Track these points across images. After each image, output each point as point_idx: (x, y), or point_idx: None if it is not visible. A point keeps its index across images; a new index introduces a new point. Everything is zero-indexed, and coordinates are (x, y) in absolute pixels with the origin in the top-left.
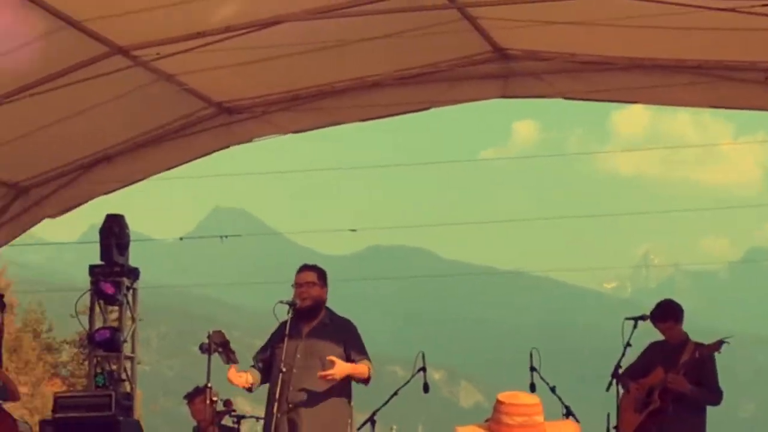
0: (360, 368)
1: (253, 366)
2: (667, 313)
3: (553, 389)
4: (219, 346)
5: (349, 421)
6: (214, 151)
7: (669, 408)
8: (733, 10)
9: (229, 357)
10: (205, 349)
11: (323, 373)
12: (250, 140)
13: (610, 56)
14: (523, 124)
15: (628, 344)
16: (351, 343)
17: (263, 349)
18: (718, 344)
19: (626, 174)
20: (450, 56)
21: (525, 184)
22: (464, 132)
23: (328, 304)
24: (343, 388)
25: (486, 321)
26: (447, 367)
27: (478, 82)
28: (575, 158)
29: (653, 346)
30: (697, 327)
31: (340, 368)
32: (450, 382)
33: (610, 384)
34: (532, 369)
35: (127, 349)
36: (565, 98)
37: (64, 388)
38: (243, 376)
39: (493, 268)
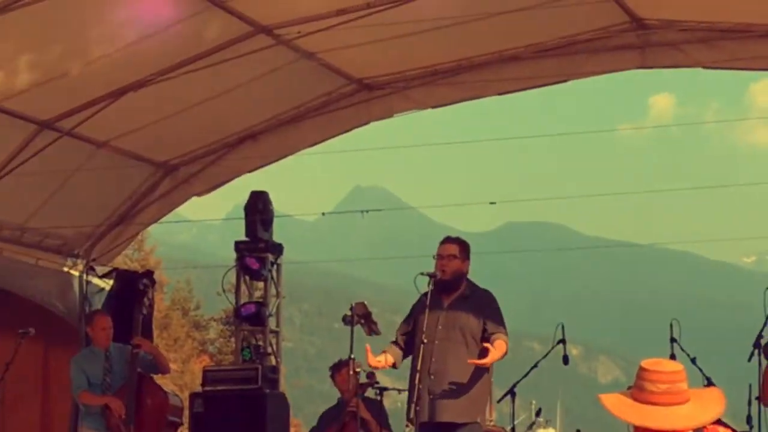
0: (501, 350)
1: (393, 342)
2: None
3: (693, 360)
4: (361, 317)
5: (490, 393)
6: (355, 128)
7: None
8: None
9: (371, 328)
10: (348, 320)
11: (474, 361)
12: (390, 116)
13: (749, 23)
14: (659, 97)
15: None
16: (489, 315)
17: (405, 321)
18: None
19: (765, 145)
20: (587, 27)
21: (662, 157)
22: (601, 106)
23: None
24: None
25: (623, 295)
26: (584, 343)
27: (615, 53)
28: (713, 131)
29: None
30: None
31: (492, 357)
32: (588, 357)
33: (752, 354)
34: (672, 340)
35: (272, 323)
36: (704, 68)
37: (212, 364)
38: (382, 358)
39: (631, 242)
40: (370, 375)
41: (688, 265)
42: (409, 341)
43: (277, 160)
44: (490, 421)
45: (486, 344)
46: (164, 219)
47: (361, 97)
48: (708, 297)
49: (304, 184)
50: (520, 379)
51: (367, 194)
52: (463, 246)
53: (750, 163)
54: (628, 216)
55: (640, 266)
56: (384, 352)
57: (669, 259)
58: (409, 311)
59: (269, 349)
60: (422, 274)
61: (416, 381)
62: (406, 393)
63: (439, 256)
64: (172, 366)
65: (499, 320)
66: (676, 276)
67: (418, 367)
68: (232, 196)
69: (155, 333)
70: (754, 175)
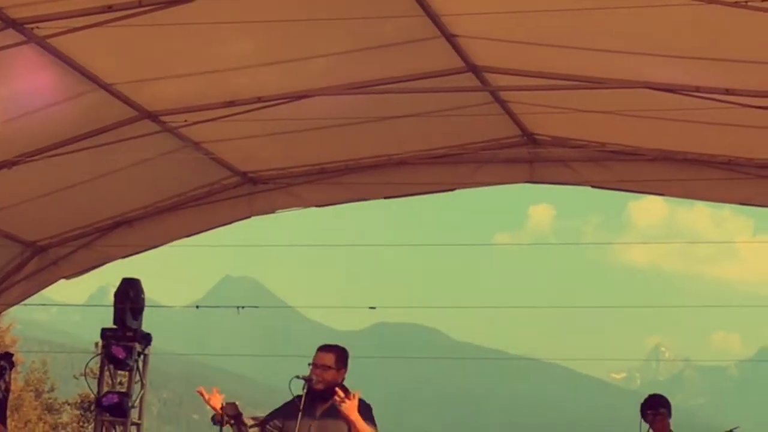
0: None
1: (256, 425)
2: (662, 401)
3: None
4: (231, 418)
5: None
6: (236, 221)
7: None
8: (766, 107)
9: (241, 430)
10: (217, 420)
11: (338, 397)
12: (272, 211)
13: (639, 147)
14: (539, 208)
15: None
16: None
17: (274, 414)
18: None
19: (641, 266)
20: (478, 138)
21: (539, 269)
22: (481, 212)
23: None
24: None
25: (492, 405)
26: None
27: (505, 165)
28: (590, 246)
29: None
30: (702, 423)
31: (353, 407)
32: None
33: None
34: None
35: (134, 415)
36: (593, 186)
37: None
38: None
39: (503, 352)
40: None
41: (558, 378)
42: None
43: (151, 248)
44: None
45: (356, 392)
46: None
47: (245, 191)
48: (577, 411)
49: (173, 269)
50: None
51: (237, 285)
52: (340, 355)
53: (625, 283)
54: (501, 326)
55: (510, 376)
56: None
57: (540, 371)
58: (279, 406)
59: None
60: (297, 377)
61: None
62: None
63: (314, 365)
64: None
65: (371, 424)
66: (546, 388)
67: None
68: (97, 278)
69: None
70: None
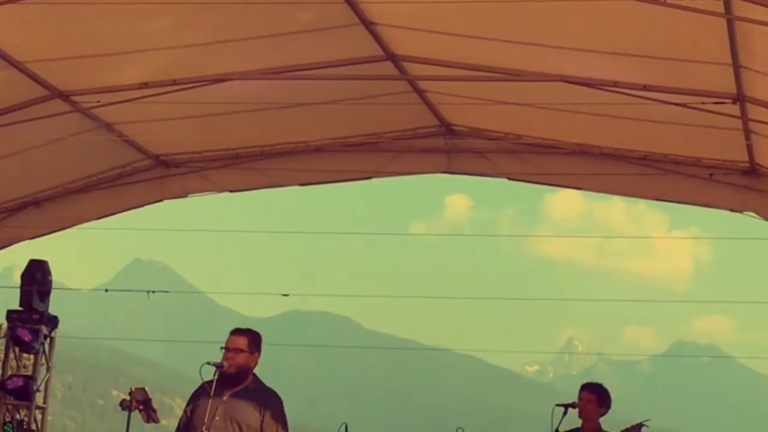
0: None
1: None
2: (597, 389)
3: None
4: (141, 403)
5: None
6: (148, 204)
7: None
8: (683, 105)
9: (150, 416)
10: (125, 406)
11: None
12: (185, 195)
13: (556, 140)
14: (456, 198)
15: (557, 431)
16: (269, 416)
17: (185, 415)
18: (638, 427)
19: (557, 259)
20: (396, 127)
21: (454, 260)
22: (397, 201)
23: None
24: None
25: (405, 395)
26: None
27: (422, 155)
28: (506, 238)
29: None
30: (614, 417)
31: None
32: None
33: None
34: None
35: (38, 398)
36: (509, 179)
37: None
38: None
39: (416, 342)
40: None
41: (472, 370)
42: (185, 429)
43: (59, 230)
44: None
45: None
46: None
47: (157, 174)
48: (489, 402)
49: (81, 251)
50: None
51: (147, 269)
52: (253, 338)
53: (540, 275)
54: (415, 316)
55: (423, 367)
56: None
57: (453, 362)
58: (189, 400)
59: (33, 426)
60: (208, 363)
61: None
62: None
63: (226, 348)
64: None
65: (279, 423)
66: (459, 379)
67: None
68: (4, 257)
69: None
70: (542, 289)
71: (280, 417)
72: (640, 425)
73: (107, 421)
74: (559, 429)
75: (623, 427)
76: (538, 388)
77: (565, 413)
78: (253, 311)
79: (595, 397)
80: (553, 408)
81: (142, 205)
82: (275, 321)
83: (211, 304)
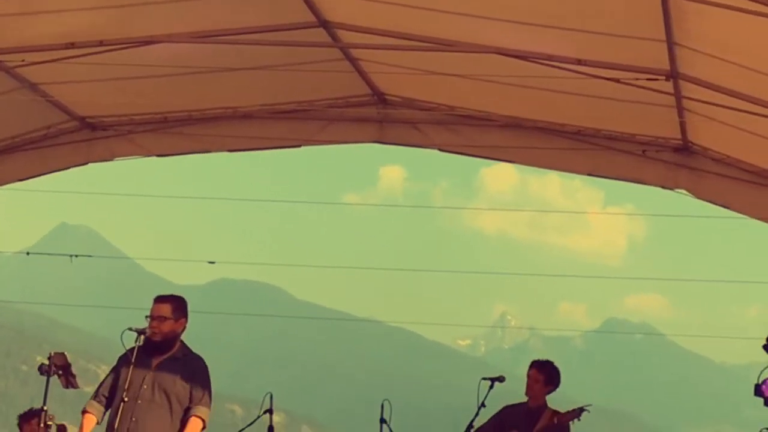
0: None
1: (94, 398)
2: (550, 370)
3: None
4: (60, 368)
5: None
6: (73, 167)
7: None
8: (617, 80)
9: (69, 381)
10: (44, 370)
11: None
12: (111, 159)
13: (489, 113)
14: (390, 169)
15: (483, 405)
16: (195, 383)
17: (108, 376)
18: (579, 411)
19: (490, 232)
20: (327, 95)
21: (387, 231)
22: (330, 170)
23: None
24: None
25: (335, 367)
26: (288, 411)
27: (353, 124)
28: (440, 211)
29: (508, 409)
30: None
31: None
32: (291, 426)
33: None
34: (382, 421)
35: None
36: (441, 150)
37: None
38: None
39: (347, 313)
40: (61, 428)
41: (402, 342)
42: (110, 398)
43: None
44: None
45: None
46: None
47: (83, 136)
48: (420, 376)
49: (7, 213)
50: None
51: (73, 233)
52: (178, 304)
53: (474, 248)
54: (347, 287)
55: (354, 338)
56: (85, 412)
57: (384, 335)
58: (112, 368)
59: None
60: (130, 329)
61: None
62: None
63: (151, 317)
64: None
65: (204, 391)
66: (390, 352)
67: (116, 426)
68: None
69: None
70: (476, 263)
71: (206, 384)
72: (581, 410)
73: (30, 386)
74: (508, 404)
75: (565, 410)
76: (470, 362)
77: (491, 387)
78: (182, 278)
79: (543, 378)
80: (480, 381)
81: (67, 168)
82: (205, 289)
83: (140, 270)
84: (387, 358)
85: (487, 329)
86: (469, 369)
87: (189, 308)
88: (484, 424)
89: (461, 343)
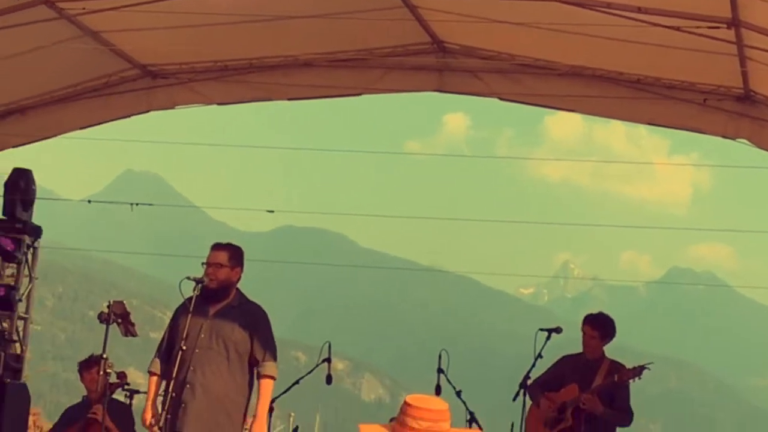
0: (267, 396)
1: (157, 356)
2: (599, 322)
3: (458, 393)
4: (118, 317)
5: (245, 405)
6: (134, 115)
7: (581, 428)
8: (677, 28)
9: (128, 329)
10: (104, 318)
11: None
12: (172, 107)
13: (549, 61)
14: (453, 117)
15: (540, 356)
16: (258, 336)
17: (167, 331)
18: (639, 370)
19: (554, 181)
20: (387, 43)
21: (450, 181)
22: (392, 118)
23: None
24: (244, 374)
25: (398, 314)
26: (352, 358)
27: (413, 73)
28: (504, 159)
29: (566, 360)
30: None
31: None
32: (353, 373)
33: (518, 394)
34: (440, 371)
35: (20, 308)
36: (501, 99)
37: None
38: (150, 412)
39: (411, 261)
40: (121, 375)
41: (465, 291)
42: (168, 348)
43: (44, 139)
44: (246, 429)
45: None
46: None
47: (144, 84)
48: (483, 324)
49: (71, 161)
50: (278, 396)
51: (139, 179)
52: (234, 253)
53: (538, 198)
54: (410, 235)
55: (417, 286)
56: (151, 374)
57: (447, 283)
58: (170, 319)
59: (15, 336)
60: (188, 278)
61: (170, 388)
62: (160, 397)
63: (207, 264)
64: None
65: (268, 343)
66: (453, 300)
67: (174, 375)
68: None
69: None
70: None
71: (269, 335)
72: (642, 368)
73: (97, 332)
74: (566, 354)
75: (625, 361)
76: (533, 310)
77: (548, 338)
78: (247, 226)
79: (598, 333)
80: (536, 332)
81: (128, 116)
82: (269, 236)
83: (205, 217)
84: (449, 306)
85: (550, 278)
86: (532, 318)
87: (253, 256)
88: (543, 374)
89: (524, 292)
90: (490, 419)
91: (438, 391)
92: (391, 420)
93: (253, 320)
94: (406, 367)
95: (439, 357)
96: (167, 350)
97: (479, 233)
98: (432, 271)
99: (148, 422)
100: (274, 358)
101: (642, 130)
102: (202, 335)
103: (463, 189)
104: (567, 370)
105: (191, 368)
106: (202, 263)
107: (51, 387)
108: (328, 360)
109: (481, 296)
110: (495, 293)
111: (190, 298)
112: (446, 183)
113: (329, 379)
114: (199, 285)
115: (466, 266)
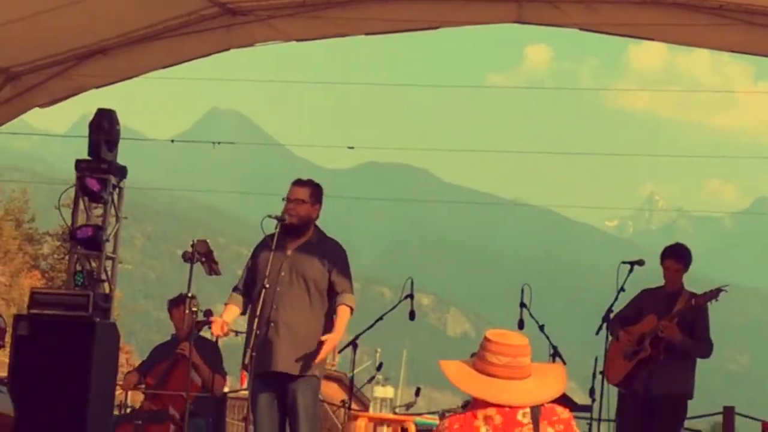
0: (343, 322)
1: (235, 289)
2: (681, 254)
3: (541, 328)
4: (202, 255)
5: None
6: (214, 53)
7: (660, 357)
8: None
9: (212, 268)
10: (188, 258)
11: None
12: (252, 44)
13: None
14: (536, 48)
15: (622, 289)
16: (336, 270)
17: (247, 266)
18: (716, 292)
19: (638, 112)
20: None
21: (533, 113)
22: (473, 50)
23: (323, 217)
24: (324, 310)
25: (482, 249)
26: (437, 293)
27: (491, 4)
28: (587, 90)
29: (646, 293)
30: (693, 274)
31: (329, 347)
32: (438, 308)
33: (600, 328)
34: (522, 305)
35: (108, 248)
36: (581, 29)
37: (44, 281)
38: (221, 324)
39: (494, 195)
40: (208, 313)
41: (550, 224)
42: (250, 285)
43: (127, 79)
44: (332, 365)
45: (323, 338)
46: (3, 127)
47: (224, 22)
48: (566, 257)
49: (157, 101)
50: (364, 331)
51: (224, 117)
52: (314, 190)
53: (622, 129)
54: (493, 169)
55: (500, 220)
56: (227, 304)
57: (531, 217)
58: (251, 256)
59: (103, 276)
60: (269, 216)
61: (254, 327)
62: (244, 335)
63: (288, 200)
64: (0, 279)
65: (346, 278)
66: (537, 234)
67: (257, 313)
68: (80, 107)
69: None
70: (623, 143)
71: (347, 270)
72: (719, 290)
73: (185, 271)
74: (646, 288)
75: (703, 291)
76: (618, 243)
77: (630, 271)
78: (331, 163)
79: (682, 266)
80: (619, 265)
81: (208, 55)
82: (352, 172)
83: (290, 155)
84: (534, 240)
85: (635, 210)
86: (617, 250)
87: (336, 193)
88: (624, 308)
89: (609, 224)
90: (574, 353)
91: (521, 325)
92: (472, 355)
93: (332, 256)
94: (491, 302)
95: (522, 291)
96: (248, 287)
97: (563, 166)
98: (516, 204)
99: (218, 333)
100: (353, 292)
101: (725, 57)
102: (283, 273)
103: (546, 121)
104: (646, 303)
105: (274, 306)
106: (283, 198)
107: (142, 325)
108: (411, 296)
109: (566, 229)
110: (579, 226)
111: (272, 236)
112: (529, 115)
113: (412, 315)
114: (280, 223)
115: (549, 199)
